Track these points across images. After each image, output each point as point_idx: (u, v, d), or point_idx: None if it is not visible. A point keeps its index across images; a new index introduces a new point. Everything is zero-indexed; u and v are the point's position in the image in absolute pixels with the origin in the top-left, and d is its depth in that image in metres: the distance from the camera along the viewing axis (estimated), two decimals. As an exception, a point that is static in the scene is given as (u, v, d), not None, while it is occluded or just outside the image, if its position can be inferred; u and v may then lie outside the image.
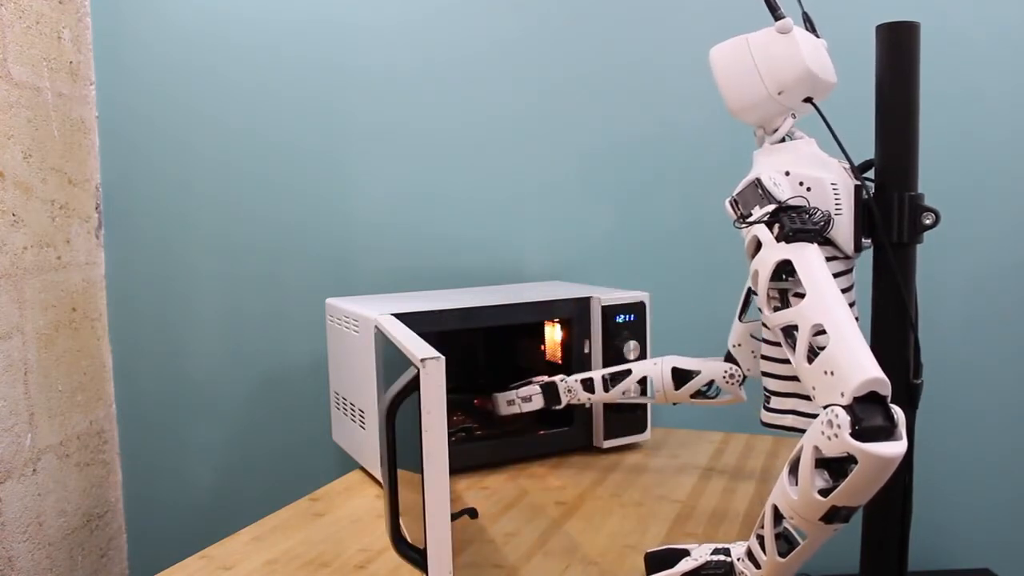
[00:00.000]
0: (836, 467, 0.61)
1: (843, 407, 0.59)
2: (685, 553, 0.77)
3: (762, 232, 0.72)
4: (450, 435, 1.17)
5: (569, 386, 1.10)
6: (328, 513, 0.99)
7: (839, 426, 0.58)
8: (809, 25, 0.81)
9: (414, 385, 0.73)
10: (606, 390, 1.08)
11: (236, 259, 1.54)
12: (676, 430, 1.30)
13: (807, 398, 0.77)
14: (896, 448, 0.57)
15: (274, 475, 1.56)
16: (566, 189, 1.42)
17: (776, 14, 0.76)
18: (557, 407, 1.11)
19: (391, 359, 1.01)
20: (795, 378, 0.78)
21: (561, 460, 1.15)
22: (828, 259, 0.74)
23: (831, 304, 0.65)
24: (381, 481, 1.05)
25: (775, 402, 0.82)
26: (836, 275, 0.75)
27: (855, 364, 0.60)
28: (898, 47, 0.69)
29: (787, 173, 0.75)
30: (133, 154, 1.56)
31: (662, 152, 1.38)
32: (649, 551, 0.80)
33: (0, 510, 1.29)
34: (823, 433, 0.59)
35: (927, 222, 0.69)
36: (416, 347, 0.76)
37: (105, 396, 1.58)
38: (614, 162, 1.40)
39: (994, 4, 1.25)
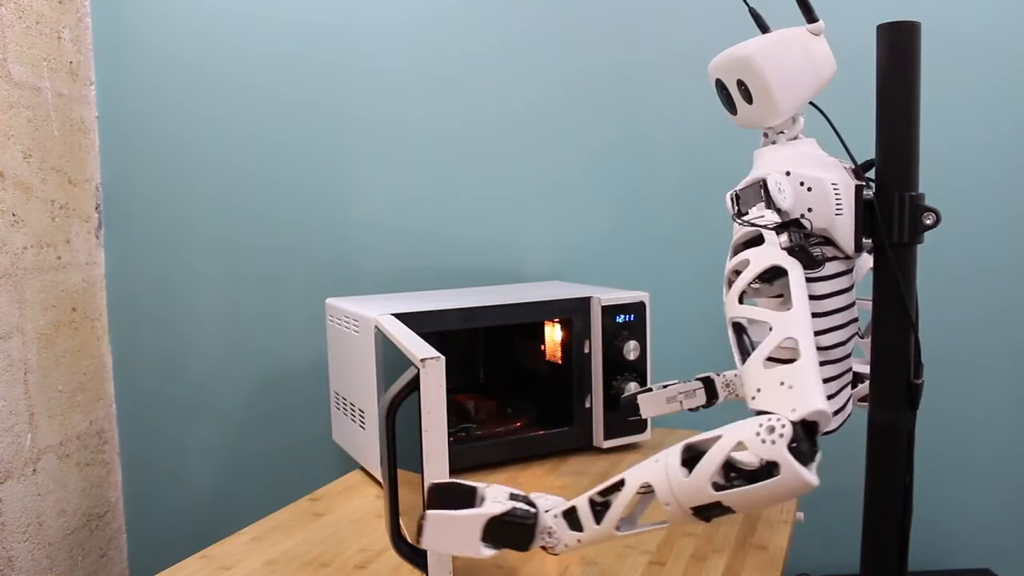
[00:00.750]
0: (727, 469, 0.62)
1: (791, 421, 0.59)
2: (473, 491, 0.72)
3: (768, 233, 0.73)
4: (450, 435, 1.17)
5: (728, 380, 1.05)
6: (328, 513, 0.98)
7: (781, 435, 0.59)
8: (759, 21, 0.81)
9: (414, 385, 0.73)
10: None
11: (236, 259, 1.54)
12: (676, 430, 1.30)
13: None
14: (814, 479, 0.59)
15: (274, 475, 1.56)
16: (566, 189, 1.42)
17: (811, 16, 0.76)
18: (713, 404, 1.06)
19: (391, 359, 1.01)
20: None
21: (561, 460, 1.15)
22: (829, 259, 0.74)
23: (808, 327, 0.66)
24: (381, 481, 1.05)
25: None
26: (836, 275, 0.75)
27: (814, 391, 0.61)
28: (899, 47, 0.69)
29: (788, 173, 0.75)
30: (133, 154, 1.56)
31: (662, 152, 1.38)
32: (435, 482, 0.73)
33: (0, 510, 1.29)
34: (758, 434, 0.60)
35: (928, 222, 0.69)
36: (416, 347, 0.76)
37: (105, 396, 1.58)
38: (614, 162, 1.40)
39: (995, 4, 1.25)
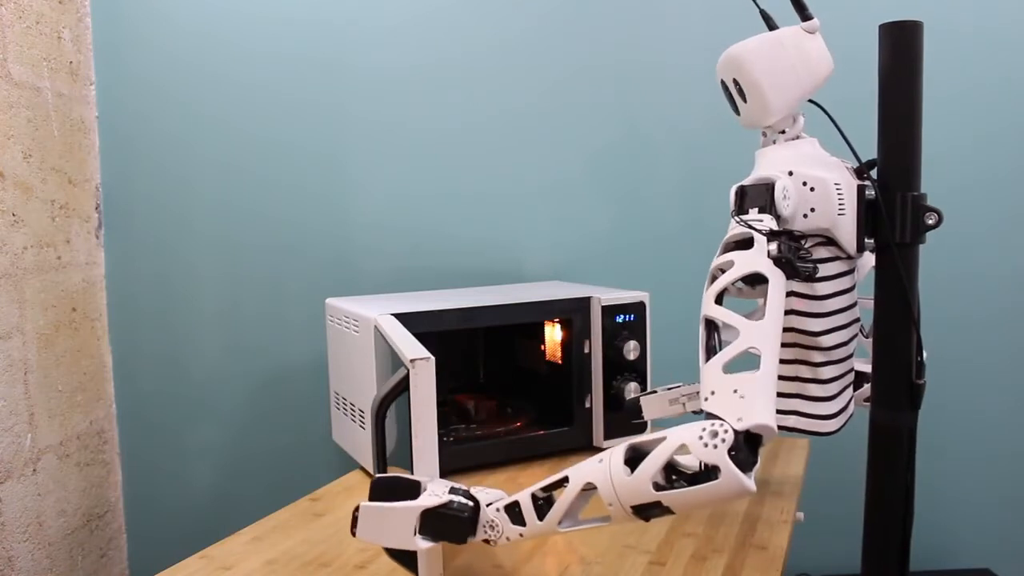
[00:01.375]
0: (668, 471, 0.64)
1: (734, 430, 0.61)
2: (416, 484, 0.73)
3: (759, 238, 0.73)
4: (450, 434, 1.17)
5: None
6: (328, 513, 0.98)
7: (723, 441, 0.61)
8: (768, 22, 0.81)
9: (403, 385, 0.73)
10: None
11: (236, 259, 1.54)
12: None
13: (809, 399, 0.78)
14: (752, 486, 0.61)
15: (274, 475, 1.56)
16: (566, 189, 1.42)
17: (805, 14, 0.76)
18: None
19: (392, 359, 1.01)
20: (798, 379, 0.78)
21: (561, 460, 1.15)
22: (830, 259, 0.74)
23: (776, 342, 0.66)
24: (381, 481, 1.05)
25: (777, 403, 0.82)
26: (839, 275, 0.75)
27: (765, 406, 0.62)
28: (901, 47, 0.68)
29: (790, 173, 0.75)
30: (133, 154, 1.56)
31: (662, 152, 1.38)
32: (378, 476, 0.75)
33: (0, 510, 1.29)
34: (701, 438, 0.61)
35: (930, 222, 0.69)
36: (408, 347, 0.76)
37: (105, 396, 1.58)
38: (614, 162, 1.40)
39: (997, 3, 1.25)
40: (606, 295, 1.16)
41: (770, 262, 0.70)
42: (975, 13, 1.25)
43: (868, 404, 0.76)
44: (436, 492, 0.72)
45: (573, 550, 0.86)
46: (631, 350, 1.16)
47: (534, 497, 0.69)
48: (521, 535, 0.69)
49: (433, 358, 0.72)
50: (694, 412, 1.05)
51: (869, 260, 0.81)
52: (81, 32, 1.52)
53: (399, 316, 1.03)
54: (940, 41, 1.25)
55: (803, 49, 0.76)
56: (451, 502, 0.70)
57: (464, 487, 0.73)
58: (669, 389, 1.05)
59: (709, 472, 0.61)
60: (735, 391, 0.64)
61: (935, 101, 1.26)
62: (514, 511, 0.69)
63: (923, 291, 0.83)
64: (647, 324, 1.18)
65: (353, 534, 0.73)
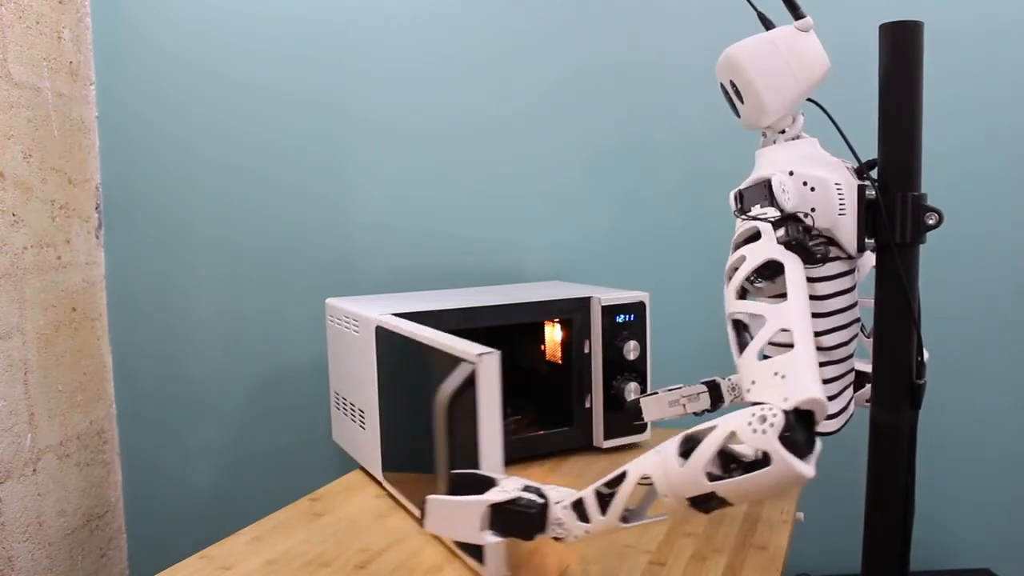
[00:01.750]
0: (725, 460, 0.61)
1: (783, 410, 0.59)
2: (491, 481, 0.73)
3: (765, 227, 0.73)
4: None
5: (734, 384, 1.04)
6: (328, 513, 0.98)
7: (772, 425, 0.58)
8: (765, 23, 0.81)
9: (471, 380, 0.73)
10: None
11: (236, 259, 1.54)
12: (676, 430, 1.30)
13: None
14: (808, 470, 0.58)
15: (274, 475, 1.56)
16: (566, 189, 1.42)
17: (797, 13, 0.77)
18: (718, 407, 1.04)
19: (394, 359, 1.01)
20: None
21: (561, 460, 1.15)
22: (831, 259, 0.74)
23: (804, 318, 0.65)
24: (382, 482, 1.05)
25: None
26: (839, 275, 0.75)
27: (808, 379, 0.61)
28: (901, 46, 0.68)
29: (791, 173, 0.75)
30: (133, 154, 1.56)
31: (662, 152, 1.38)
32: (454, 471, 0.76)
33: (0, 510, 1.29)
34: (750, 424, 0.59)
35: (930, 222, 0.69)
36: (465, 344, 0.77)
37: (105, 396, 1.58)
38: (614, 162, 1.40)
39: (998, 3, 1.25)
40: (606, 295, 1.16)
41: (781, 248, 0.70)
42: (976, 13, 1.25)
43: (869, 404, 0.76)
44: (507, 488, 0.71)
45: (573, 550, 0.86)
46: (631, 350, 1.16)
47: (598, 493, 0.68)
48: (587, 532, 0.68)
49: (498, 352, 0.72)
50: (695, 414, 1.05)
51: (870, 260, 0.81)
52: (81, 32, 1.52)
53: (399, 316, 1.03)
54: (941, 41, 1.25)
55: (797, 48, 0.76)
56: (520, 499, 0.70)
57: (537, 485, 0.72)
58: (670, 390, 1.05)
59: (764, 459, 0.58)
60: (775, 373, 0.62)
61: (935, 101, 1.26)
62: (580, 508, 0.69)
63: (923, 291, 0.83)
64: (647, 324, 1.18)
65: (422, 526, 0.74)
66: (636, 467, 0.66)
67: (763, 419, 0.59)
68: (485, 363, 0.73)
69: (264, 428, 1.56)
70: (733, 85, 0.79)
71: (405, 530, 0.92)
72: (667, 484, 0.63)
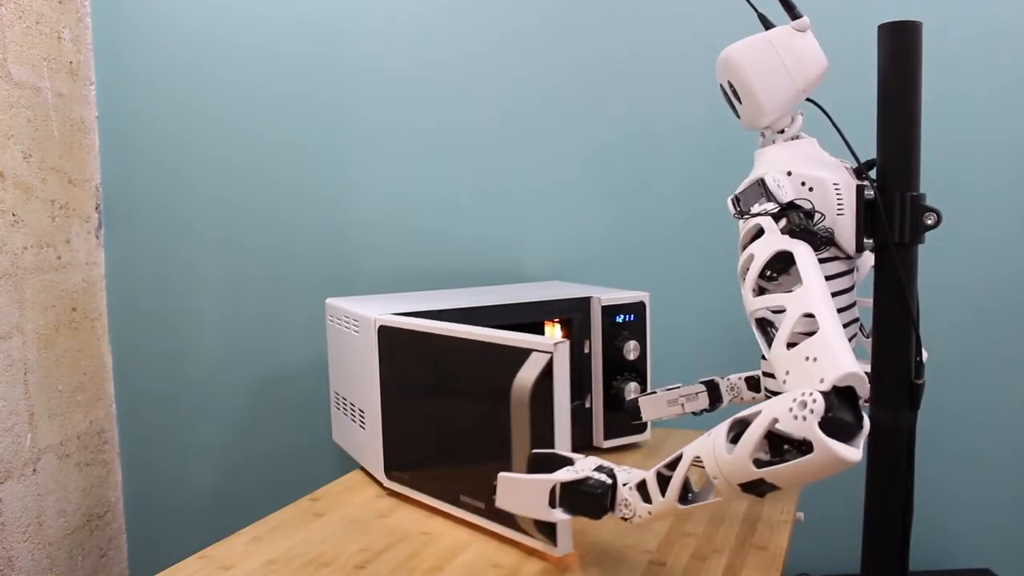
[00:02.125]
0: (776, 444, 0.60)
1: (822, 393, 0.58)
2: (568, 461, 0.76)
3: (767, 222, 0.73)
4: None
5: (732, 384, 1.04)
6: (328, 513, 0.98)
7: (812, 411, 0.57)
8: (765, 23, 0.81)
9: (548, 369, 0.79)
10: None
11: (236, 259, 1.54)
12: (676, 430, 1.30)
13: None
14: (853, 454, 0.57)
15: (274, 475, 1.56)
16: (566, 189, 1.42)
17: (794, 12, 0.77)
18: (717, 407, 1.05)
19: (394, 359, 1.01)
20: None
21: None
22: (830, 259, 0.74)
23: (823, 299, 0.65)
24: (382, 481, 1.05)
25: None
26: (838, 275, 0.75)
27: (840, 356, 0.60)
28: (900, 47, 0.69)
29: (789, 173, 0.75)
30: (133, 154, 1.56)
31: (662, 152, 1.38)
32: (535, 451, 0.78)
33: (0, 510, 1.29)
34: (791, 410, 0.58)
35: (929, 222, 0.69)
36: (531, 336, 0.83)
37: (105, 396, 1.58)
38: (614, 162, 1.40)
39: (996, 3, 1.25)
40: (606, 295, 1.16)
41: (786, 237, 0.70)
42: (974, 13, 1.25)
43: (867, 404, 0.76)
44: (579, 469, 0.73)
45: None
46: (631, 350, 1.16)
47: (659, 475, 0.68)
48: (650, 513, 0.69)
49: (567, 341, 0.80)
50: (693, 413, 1.05)
51: (869, 260, 0.81)
52: (81, 32, 1.52)
53: (399, 316, 1.03)
54: (941, 41, 1.25)
55: (793, 48, 0.76)
56: (588, 478, 0.72)
57: (611, 465, 0.73)
58: (668, 390, 1.05)
59: (803, 447, 0.58)
60: (807, 358, 0.61)
61: (936, 101, 1.26)
62: (643, 490, 0.70)
63: (922, 290, 0.83)
64: (647, 324, 1.18)
65: (494, 503, 0.77)
66: (691, 449, 0.66)
67: (803, 404, 0.58)
68: (560, 351, 0.79)
69: (264, 428, 1.56)
70: (731, 86, 0.79)
71: (405, 530, 0.92)
72: (717, 468, 0.63)
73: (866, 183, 0.73)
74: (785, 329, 0.65)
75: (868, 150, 0.75)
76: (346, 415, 1.19)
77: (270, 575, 0.82)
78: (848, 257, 0.75)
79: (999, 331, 1.28)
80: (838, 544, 1.34)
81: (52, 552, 1.42)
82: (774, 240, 0.70)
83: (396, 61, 1.46)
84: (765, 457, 0.60)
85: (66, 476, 1.45)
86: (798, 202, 0.73)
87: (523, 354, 0.83)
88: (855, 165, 0.75)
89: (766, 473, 0.60)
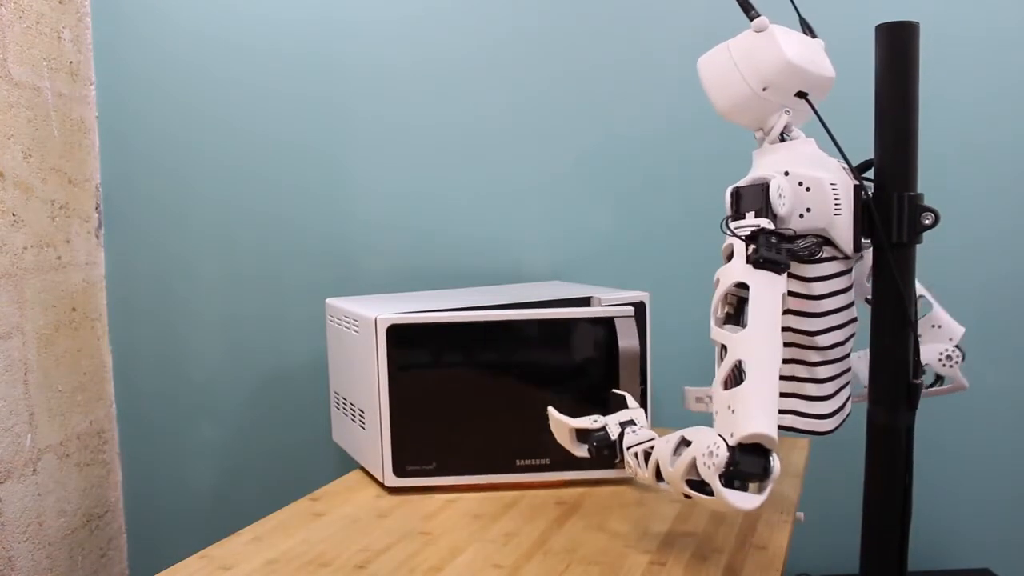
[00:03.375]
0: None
1: (728, 445, 0.64)
2: (624, 406, 0.88)
3: (738, 245, 0.73)
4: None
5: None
6: (328, 513, 0.99)
7: (714, 463, 0.64)
8: (806, 28, 0.81)
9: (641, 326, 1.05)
10: None
11: (236, 259, 1.54)
12: (676, 430, 1.30)
13: (806, 398, 0.78)
14: (749, 503, 0.64)
15: (274, 475, 1.56)
16: (566, 188, 1.42)
17: (750, 14, 0.78)
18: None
19: (398, 360, 1.02)
20: (794, 378, 0.78)
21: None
22: (827, 259, 0.74)
23: (762, 345, 0.67)
24: (382, 481, 1.05)
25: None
26: (835, 275, 0.75)
27: (752, 414, 0.64)
28: (898, 47, 0.69)
29: (786, 173, 0.75)
30: (133, 154, 1.57)
31: (662, 151, 1.38)
32: (614, 391, 0.96)
33: (0, 510, 1.29)
34: (702, 456, 0.65)
35: (926, 222, 0.69)
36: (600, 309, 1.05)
37: (105, 396, 1.58)
38: (614, 161, 1.40)
39: (994, 4, 1.25)
40: (606, 295, 1.16)
41: (749, 268, 0.70)
42: (972, 14, 1.25)
43: (862, 400, 0.77)
44: (607, 419, 0.85)
45: (573, 550, 0.86)
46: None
47: (645, 452, 0.77)
48: (644, 478, 0.77)
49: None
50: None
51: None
52: (81, 32, 1.52)
53: (399, 316, 1.03)
54: (938, 41, 1.25)
55: (746, 49, 0.77)
56: (599, 430, 0.84)
57: (636, 421, 0.84)
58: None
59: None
60: (728, 407, 0.66)
61: (934, 101, 1.26)
62: (636, 457, 0.79)
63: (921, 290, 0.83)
64: (647, 324, 1.18)
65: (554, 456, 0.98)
66: (657, 447, 0.74)
67: (711, 454, 0.64)
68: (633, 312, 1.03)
69: (264, 428, 1.56)
70: None
71: (405, 530, 0.92)
72: (664, 474, 0.72)
73: (863, 183, 0.73)
74: (722, 370, 0.69)
75: (866, 150, 0.75)
76: (346, 415, 1.19)
77: (270, 575, 0.82)
78: (846, 257, 0.75)
79: (998, 331, 1.28)
80: (838, 544, 1.34)
81: (52, 552, 1.42)
82: (737, 269, 0.72)
83: (395, 60, 1.46)
84: (696, 478, 0.67)
85: (66, 476, 1.45)
86: (782, 226, 0.74)
87: (609, 322, 1.04)
88: (845, 163, 0.75)
89: (693, 495, 0.68)
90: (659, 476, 0.74)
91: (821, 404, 0.77)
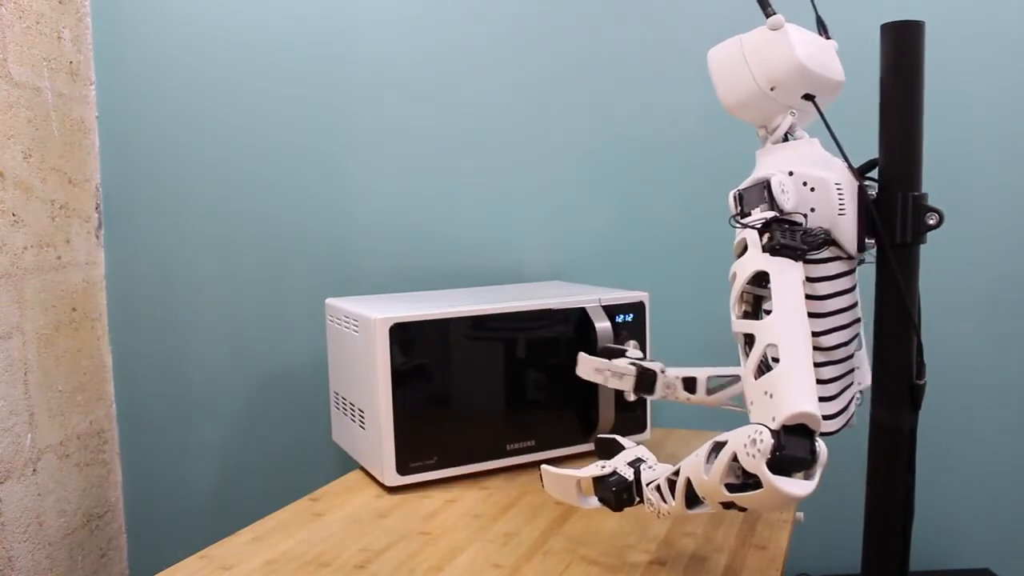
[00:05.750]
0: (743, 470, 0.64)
1: (771, 431, 0.61)
2: (621, 447, 0.82)
3: (751, 236, 0.73)
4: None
5: (668, 382, 1.00)
6: (328, 513, 0.98)
7: (759, 450, 0.61)
8: (821, 29, 0.81)
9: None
10: (709, 393, 0.99)
11: (236, 259, 1.54)
12: (676, 430, 1.30)
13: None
14: (802, 489, 0.61)
15: (274, 475, 1.56)
16: (566, 189, 1.42)
17: (767, 11, 0.77)
18: (645, 396, 1.02)
19: (399, 359, 1.01)
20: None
21: (559, 460, 1.15)
22: (831, 259, 0.74)
23: (792, 327, 0.66)
24: (382, 481, 1.05)
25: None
26: (839, 275, 0.75)
27: (793, 394, 0.62)
28: (903, 47, 0.68)
29: (791, 173, 0.75)
30: (133, 154, 1.56)
31: (662, 152, 1.38)
32: (599, 436, 0.85)
33: (0, 510, 1.29)
34: (745, 446, 0.62)
35: (930, 222, 0.69)
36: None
37: (105, 396, 1.58)
38: (614, 161, 1.40)
39: (998, 4, 1.25)
40: (606, 295, 1.16)
41: (766, 256, 0.70)
42: (977, 13, 1.25)
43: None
44: (614, 463, 0.79)
45: (573, 550, 0.86)
46: (631, 350, 1.16)
47: (669, 481, 0.73)
48: (668, 512, 0.74)
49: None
50: (618, 391, 1.08)
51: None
52: (81, 32, 1.52)
53: (399, 317, 1.03)
54: (943, 41, 1.25)
55: (758, 47, 0.76)
56: (611, 475, 0.78)
57: (645, 459, 0.79)
58: (612, 351, 1.06)
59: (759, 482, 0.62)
60: (765, 393, 0.64)
61: (938, 100, 1.26)
62: (659, 491, 0.74)
63: (924, 291, 0.83)
64: (647, 324, 1.18)
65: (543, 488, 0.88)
66: (685, 466, 0.70)
67: (754, 442, 0.61)
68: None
69: (264, 428, 1.56)
70: None
71: (405, 530, 0.92)
72: (700, 488, 0.68)
73: (866, 183, 0.73)
74: (752, 359, 0.67)
75: (870, 149, 0.75)
76: (346, 415, 1.19)
77: (270, 575, 0.82)
78: (850, 257, 0.75)
79: (1000, 331, 1.28)
80: (838, 544, 1.34)
81: (52, 552, 1.41)
82: (754, 259, 0.71)
83: (395, 60, 1.46)
84: (737, 481, 0.64)
85: (66, 476, 1.45)
86: (792, 215, 0.73)
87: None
88: (847, 164, 0.75)
89: (735, 498, 0.64)
90: (689, 501, 0.70)
91: (825, 405, 0.77)
